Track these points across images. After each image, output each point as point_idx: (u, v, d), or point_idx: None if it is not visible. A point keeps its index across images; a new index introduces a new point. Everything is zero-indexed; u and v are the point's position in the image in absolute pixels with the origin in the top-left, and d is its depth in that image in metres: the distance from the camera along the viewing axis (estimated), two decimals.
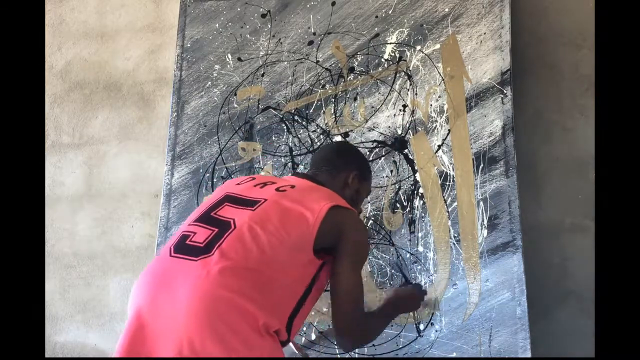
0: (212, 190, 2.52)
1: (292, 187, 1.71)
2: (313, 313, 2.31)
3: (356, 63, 2.50)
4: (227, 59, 2.63)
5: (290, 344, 2.08)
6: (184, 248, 1.56)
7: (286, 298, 1.56)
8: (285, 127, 2.53)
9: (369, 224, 2.37)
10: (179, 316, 1.45)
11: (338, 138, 2.46)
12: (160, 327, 1.47)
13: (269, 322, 1.48)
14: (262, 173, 2.51)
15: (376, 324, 1.78)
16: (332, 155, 1.91)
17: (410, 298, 1.96)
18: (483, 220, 2.26)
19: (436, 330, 2.22)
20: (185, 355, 1.42)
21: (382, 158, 2.41)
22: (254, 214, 1.59)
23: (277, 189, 1.69)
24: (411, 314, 2.25)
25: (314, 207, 1.60)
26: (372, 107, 2.46)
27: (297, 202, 1.62)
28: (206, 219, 1.62)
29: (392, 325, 2.25)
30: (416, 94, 2.42)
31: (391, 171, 2.40)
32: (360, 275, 1.66)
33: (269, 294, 1.50)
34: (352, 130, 2.46)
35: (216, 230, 1.56)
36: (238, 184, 1.79)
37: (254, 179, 1.80)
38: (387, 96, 2.45)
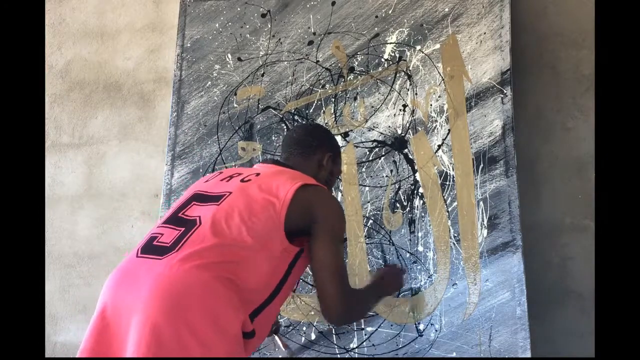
0: None
1: (257, 175, 1.69)
2: (313, 313, 2.31)
3: (356, 63, 2.50)
4: (227, 59, 2.63)
5: (277, 338, 2.07)
6: (150, 249, 1.57)
7: (255, 290, 1.54)
8: (285, 127, 2.53)
9: (368, 223, 2.37)
10: (141, 307, 1.45)
11: (338, 138, 2.46)
12: (124, 322, 1.47)
13: (232, 315, 1.47)
14: None
15: (363, 301, 1.74)
16: (304, 137, 1.86)
17: (392, 275, 1.92)
18: (483, 220, 2.26)
19: (436, 330, 2.22)
20: (147, 340, 1.41)
21: (382, 158, 2.41)
22: (219, 208, 1.59)
23: (243, 180, 1.67)
24: (411, 313, 2.25)
25: (280, 192, 1.59)
26: (372, 106, 2.46)
27: (263, 190, 1.61)
28: (174, 220, 1.63)
29: (392, 325, 2.25)
30: (416, 93, 2.42)
31: (391, 171, 2.40)
32: (341, 250, 1.64)
33: (235, 286, 1.49)
34: (352, 130, 2.46)
35: (182, 229, 1.57)
36: (206, 181, 1.77)
37: (221, 173, 1.78)
38: (387, 96, 2.45)
